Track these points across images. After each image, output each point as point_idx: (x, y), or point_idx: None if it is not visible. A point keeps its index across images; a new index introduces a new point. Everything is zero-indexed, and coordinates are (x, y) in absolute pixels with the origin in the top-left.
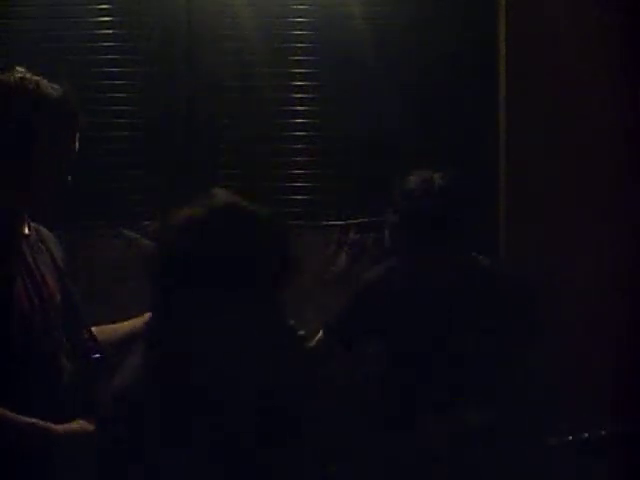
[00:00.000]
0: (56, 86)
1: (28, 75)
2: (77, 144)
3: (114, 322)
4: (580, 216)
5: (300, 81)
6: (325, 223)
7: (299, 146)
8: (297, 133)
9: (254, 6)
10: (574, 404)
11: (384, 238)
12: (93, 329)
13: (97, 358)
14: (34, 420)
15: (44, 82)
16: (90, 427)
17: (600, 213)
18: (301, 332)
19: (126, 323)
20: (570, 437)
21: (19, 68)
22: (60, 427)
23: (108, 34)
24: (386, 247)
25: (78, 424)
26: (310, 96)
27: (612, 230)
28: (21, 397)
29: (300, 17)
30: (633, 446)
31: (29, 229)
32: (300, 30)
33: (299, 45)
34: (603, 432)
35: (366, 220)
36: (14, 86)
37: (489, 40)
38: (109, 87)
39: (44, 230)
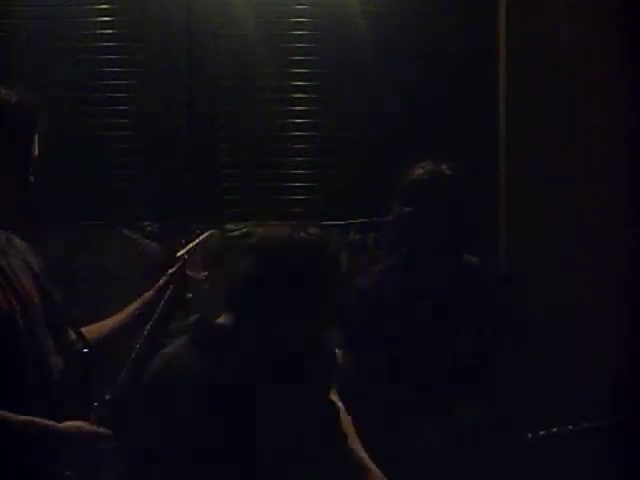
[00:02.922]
0: (11, 92)
1: None
2: (36, 146)
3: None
4: (580, 216)
5: (300, 81)
6: (325, 223)
7: (299, 146)
8: (297, 133)
9: (254, 6)
10: (573, 402)
11: (387, 232)
12: (82, 330)
13: (85, 353)
14: (35, 418)
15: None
16: (89, 427)
17: (600, 213)
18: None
19: (108, 320)
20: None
21: None
22: (60, 425)
23: (108, 34)
24: (390, 241)
25: (77, 423)
26: (310, 96)
27: (612, 230)
28: (12, 399)
29: (300, 17)
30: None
31: None
32: (300, 30)
33: (299, 45)
34: (586, 425)
35: (366, 220)
36: None
37: (489, 39)
38: (109, 87)
39: (13, 236)
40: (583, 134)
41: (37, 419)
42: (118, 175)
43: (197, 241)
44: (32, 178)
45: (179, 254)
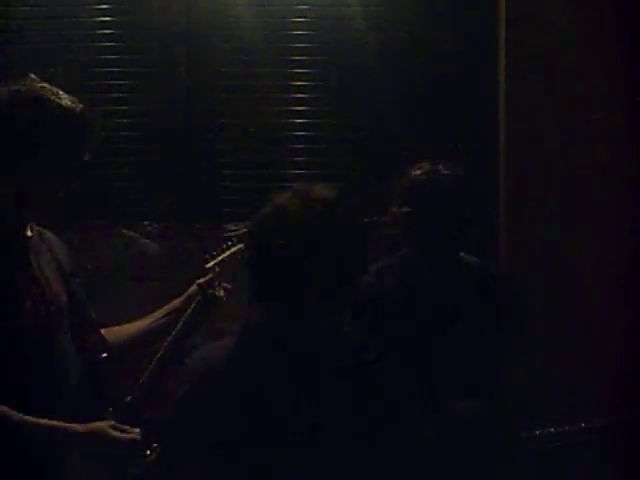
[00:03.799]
0: (75, 100)
1: (49, 86)
2: (86, 156)
3: (118, 323)
4: (580, 216)
5: (300, 81)
6: None
7: (299, 146)
8: (297, 133)
9: (254, 6)
10: (573, 401)
11: (386, 232)
12: (102, 331)
13: (104, 358)
14: (54, 422)
15: (64, 95)
16: (110, 431)
17: (600, 213)
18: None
19: (132, 324)
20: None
21: (34, 77)
22: (80, 426)
23: (108, 34)
24: (389, 241)
25: (99, 425)
26: (310, 96)
27: (612, 230)
28: (28, 399)
29: (300, 17)
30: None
31: (31, 231)
32: (300, 30)
33: (299, 45)
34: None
35: (366, 220)
36: (35, 97)
37: (489, 39)
38: (109, 87)
39: (47, 233)
40: (583, 134)
41: (56, 422)
42: (118, 175)
43: (228, 253)
44: (76, 186)
45: (209, 265)
